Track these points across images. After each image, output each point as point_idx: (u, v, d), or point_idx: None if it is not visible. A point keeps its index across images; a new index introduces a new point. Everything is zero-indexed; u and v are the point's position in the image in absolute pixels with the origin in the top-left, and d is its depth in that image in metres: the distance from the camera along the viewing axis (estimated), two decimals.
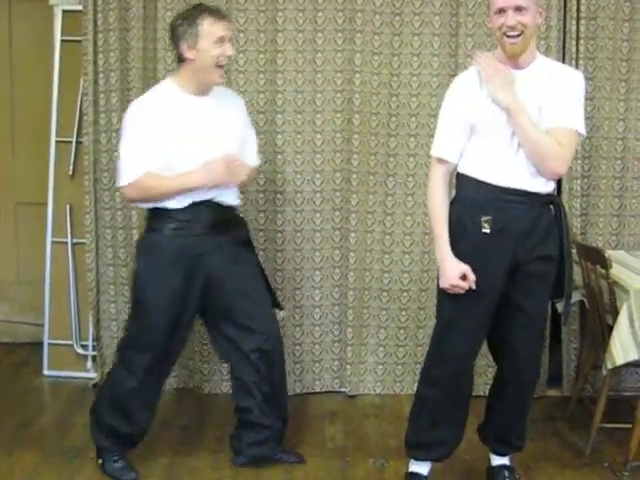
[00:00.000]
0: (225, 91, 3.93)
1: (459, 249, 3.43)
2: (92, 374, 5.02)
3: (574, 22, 4.65)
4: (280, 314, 4.25)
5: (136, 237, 4.75)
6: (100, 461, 3.91)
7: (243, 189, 4.71)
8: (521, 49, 3.34)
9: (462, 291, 3.40)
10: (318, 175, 4.76)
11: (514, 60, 3.38)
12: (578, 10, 4.64)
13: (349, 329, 4.86)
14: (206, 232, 3.73)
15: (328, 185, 4.78)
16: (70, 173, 4.96)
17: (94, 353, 5.02)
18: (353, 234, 4.77)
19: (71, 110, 4.89)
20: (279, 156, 4.72)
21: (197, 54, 3.60)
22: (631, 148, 4.78)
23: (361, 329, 4.89)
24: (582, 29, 4.64)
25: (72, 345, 5.05)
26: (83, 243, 4.91)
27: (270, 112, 4.71)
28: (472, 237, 3.44)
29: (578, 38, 4.65)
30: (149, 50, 4.72)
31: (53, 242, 5.03)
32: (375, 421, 4.56)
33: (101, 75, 4.70)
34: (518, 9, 3.28)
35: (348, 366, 4.89)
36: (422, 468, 3.77)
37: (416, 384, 4.86)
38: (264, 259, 4.79)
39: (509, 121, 3.34)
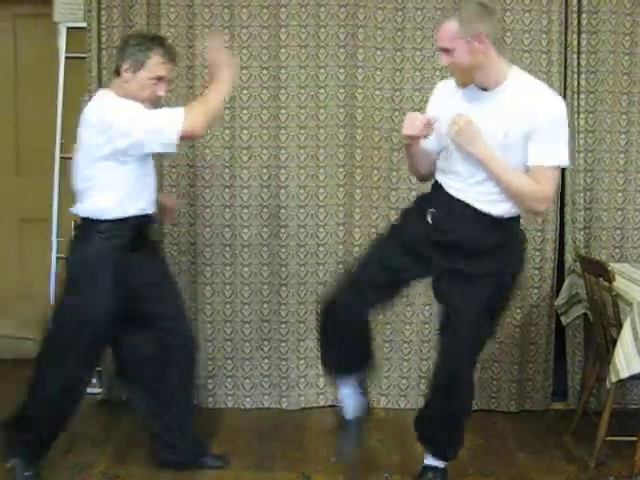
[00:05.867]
0: None
1: None
2: (96, 389, 5.02)
3: (575, 36, 4.67)
4: None
5: None
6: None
7: (247, 203, 4.74)
8: (462, 80, 3.43)
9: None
10: (322, 190, 4.78)
11: (470, 84, 3.45)
12: (579, 24, 4.67)
13: None
14: (133, 242, 3.77)
15: (332, 200, 4.80)
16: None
17: (99, 368, 5.02)
18: (357, 248, 4.77)
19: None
20: (282, 170, 4.74)
21: (132, 80, 3.65)
22: (633, 161, 4.79)
23: None
24: (583, 43, 4.67)
25: None
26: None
27: (274, 128, 4.74)
28: None
29: (579, 52, 4.68)
30: None
31: (57, 258, 5.04)
32: (379, 435, 4.54)
33: None
34: (444, 50, 3.38)
35: None
36: None
37: (420, 398, 4.91)
38: (268, 274, 4.81)
39: (483, 168, 3.41)
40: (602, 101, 4.74)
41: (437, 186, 3.63)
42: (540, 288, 4.80)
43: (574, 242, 4.78)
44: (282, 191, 4.76)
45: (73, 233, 3.96)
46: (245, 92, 4.71)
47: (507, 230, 3.54)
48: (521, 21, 4.65)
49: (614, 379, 3.92)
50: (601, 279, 4.04)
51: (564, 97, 4.68)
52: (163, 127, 3.58)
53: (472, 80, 3.41)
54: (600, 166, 4.78)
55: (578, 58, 4.68)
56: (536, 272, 4.79)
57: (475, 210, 3.49)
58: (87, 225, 3.74)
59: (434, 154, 3.64)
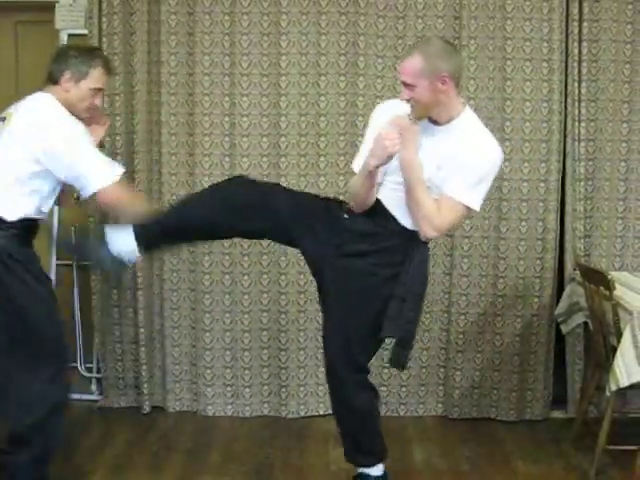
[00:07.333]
0: None
1: None
2: (96, 396, 5.03)
3: (576, 44, 4.67)
4: None
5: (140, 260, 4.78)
6: None
7: None
8: (419, 114, 3.35)
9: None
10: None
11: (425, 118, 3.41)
12: (580, 32, 4.67)
13: None
14: None
15: None
16: (75, 196, 4.96)
17: (99, 375, 5.03)
18: None
19: None
20: (282, 179, 4.71)
21: (74, 89, 3.62)
22: (634, 169, 4.79)
23: None
24: (584, 51, 4.67)
25: (77, 367, 5.06)
26: (88, 265, 4.93)
27: (274, 135, 4.74)
28: None
29: (580, 60, 4.69)
30: (153, 74, 4.75)
31: (58, 265, 5.04)
32: None
33: (106, 98, 4.71)
34: (406, 85, 3.33)
35: None
36: None
37: (420, 406, 4.89)
38: (267, 282, 4.82)
39: (403, 172, 3.37)
40: (603, 109, 4.74)
41: None
42: (540, 297, 4.79)
43: (574, 251, 4.77)
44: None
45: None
46: (245, 99, 4.71)
47: (412, 239, 3.47)
48: (522, 29, 4.65)
49: (614, 387, 3.91)
50: (601, 288, 4.04)
51: (565, 105, 4.69)
52: (98, 169, 3.53)
53: (429, 115, 3.39)
54: (601, 174, 4.78)
55: (579, 66, 4.68)
56: (536, 281, 4.78)
57: (393, 218, 3.48)
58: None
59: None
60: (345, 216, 3.53)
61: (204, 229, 3.60)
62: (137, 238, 3.53)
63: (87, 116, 3.70)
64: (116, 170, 3.59)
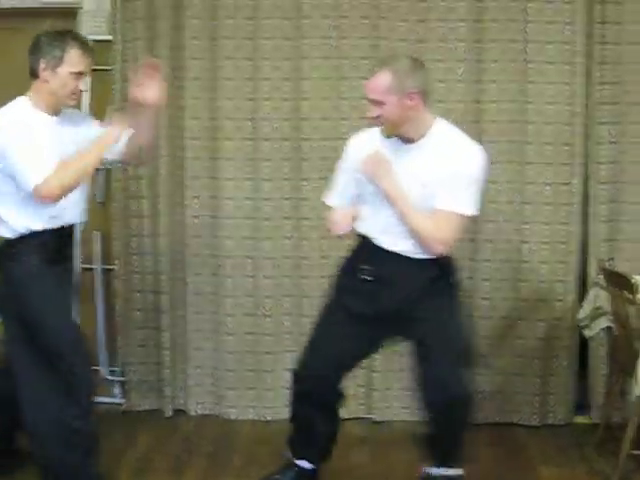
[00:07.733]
0: (72, 110, 3.73)
1: None
2: (119, 399, 5.06)
3: (599, 47, 4.65)
4: None
5: (163, 264, 4.81)
6: None
7: (268, 215, 4.75)
8: (389, 132, 3.43)
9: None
10: None
11: (396, 136, 3.45)
12: (603, 35, 4.64)
13: (376, 356, 4.83)
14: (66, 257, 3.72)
15: None
16: (99, 200, 5.01)
17: (122, 378, 5.06)
18: None
19: None
20: (304, 182, 4.75)
21: (53, 78, 3.47)
22: None
23: (388, 356, 4.87)
24: (607, 53, 4.64)
25: (100, 370, 5.09)
26: (112, 270, 4.96)
27: (295, 139, 4.75)
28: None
29: (603, 63, 4.65)
30: (176, 79, 4.77)
31: (82, 269, 5.07)
32: (402, 448, 4.52)
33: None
34: (375, 102, 3.36)
35: (375, 393, 4.89)
36: None
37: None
38: (290, 284, 4.81)
39: (390, 204, 3.42)
40: (626, 112, 4.70)
41: (367, 242, 3.63)
42: (563, 301, 4.76)
43: (597, 254, 4.74)
44: (304, 203, 4.77)
45: None
46: (267, 104, 4.72)
47: (440, 266, 3.57)
48: (544, 33, 4.63)
49: (638, 392, 3.89)
50: (625, 292, 4.01)
51: (587, 108, 4.66)
52: (28, 170, 3.37)
53: (399, 132, 3.42)
54: (624, 178, 4.73)
55: (601, 69, 4.65)
56: (559, 285, 4.76)
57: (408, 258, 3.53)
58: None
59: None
60: (367, 278, 3.58)
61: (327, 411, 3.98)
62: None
63: (72, 102, 3.59)
64: (45, 169, 3.36)
